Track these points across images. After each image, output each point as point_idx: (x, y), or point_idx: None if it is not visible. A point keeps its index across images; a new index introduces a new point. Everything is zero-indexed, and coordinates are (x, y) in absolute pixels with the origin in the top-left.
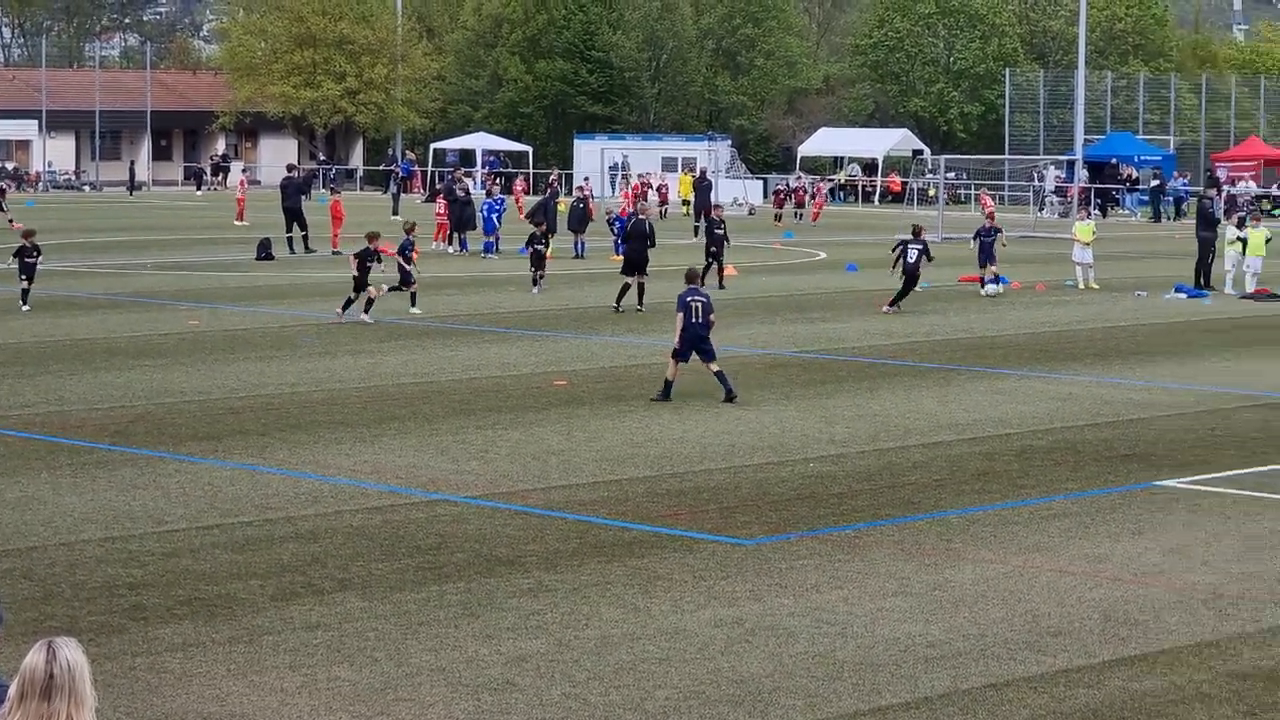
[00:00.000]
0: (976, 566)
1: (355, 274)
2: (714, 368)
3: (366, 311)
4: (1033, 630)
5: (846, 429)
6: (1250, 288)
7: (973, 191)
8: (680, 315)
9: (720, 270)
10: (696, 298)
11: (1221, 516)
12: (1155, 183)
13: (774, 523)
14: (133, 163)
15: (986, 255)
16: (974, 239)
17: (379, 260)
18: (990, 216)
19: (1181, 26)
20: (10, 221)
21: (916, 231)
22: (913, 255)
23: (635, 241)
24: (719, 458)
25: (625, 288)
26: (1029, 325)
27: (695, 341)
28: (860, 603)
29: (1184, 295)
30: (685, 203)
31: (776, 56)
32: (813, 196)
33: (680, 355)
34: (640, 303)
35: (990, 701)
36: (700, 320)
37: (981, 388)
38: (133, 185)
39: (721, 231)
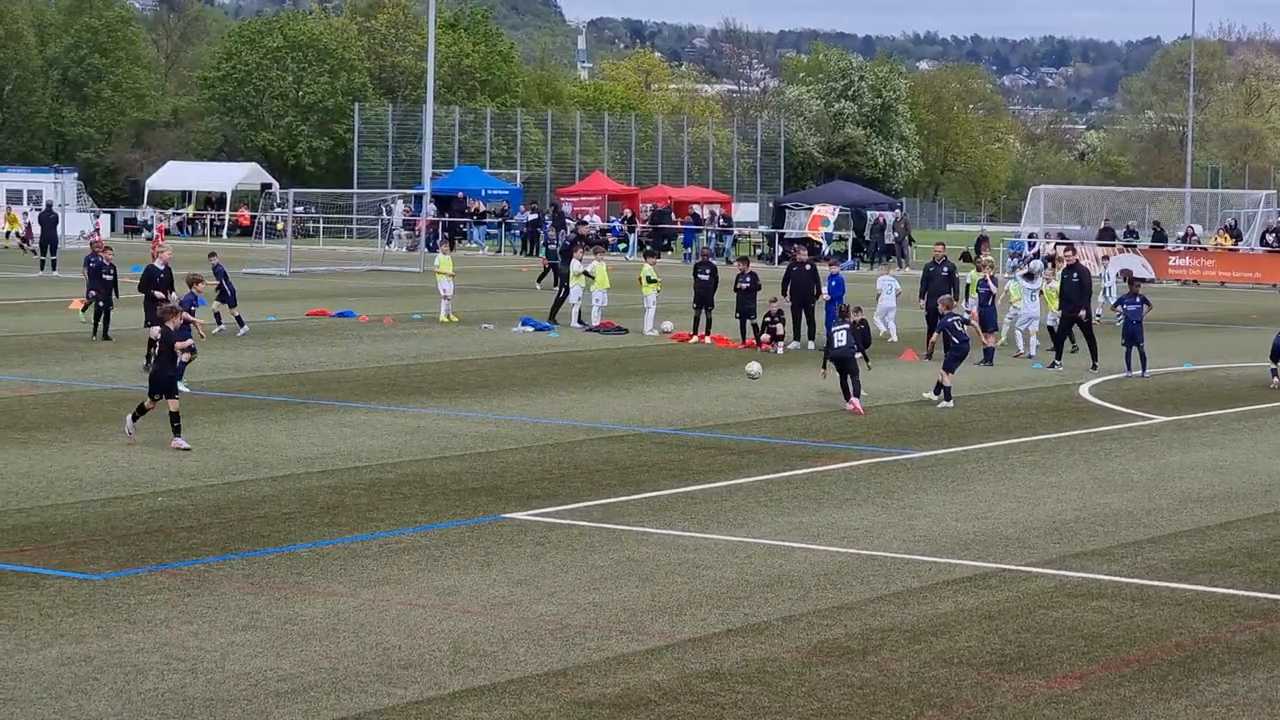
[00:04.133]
0: (327, 600)
1: None
2: None
3: None
4: (384, 663)
5: (196, 462)
6: (596, 320)
7: (321, 225)
8: None
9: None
10: None
11: (568, 548)
12: (533, 216)
13: (122, 557)
14: None
15: None
16: None
17: None
18: None
19: (527, 64)
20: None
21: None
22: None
23: None
24: (66, 492)
25: None
26: (376, 359)
27: None
28: (210, 637)
29: (531, 328)
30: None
31: (124, 88)
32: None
33: None
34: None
35: None
36: None
37: (330, 421)
38: None
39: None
